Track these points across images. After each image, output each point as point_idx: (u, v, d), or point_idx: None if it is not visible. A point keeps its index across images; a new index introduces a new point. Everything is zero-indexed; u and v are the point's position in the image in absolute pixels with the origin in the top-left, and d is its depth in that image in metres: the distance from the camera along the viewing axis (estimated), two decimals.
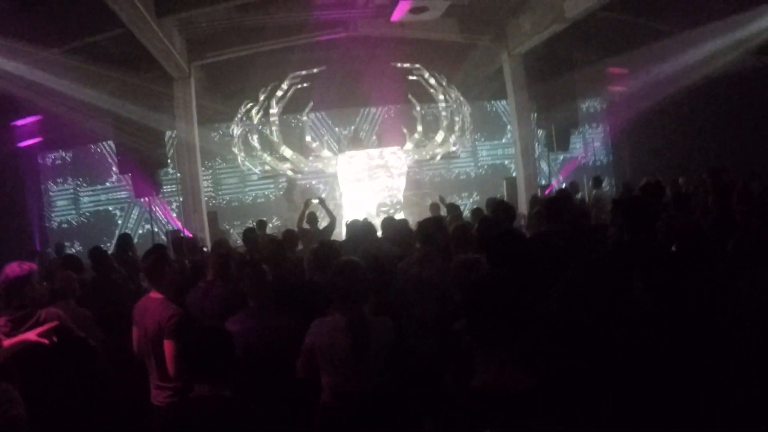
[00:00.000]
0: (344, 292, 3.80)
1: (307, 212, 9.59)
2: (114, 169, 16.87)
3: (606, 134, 21.04)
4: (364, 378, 3.70)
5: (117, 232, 16.85)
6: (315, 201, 9.92)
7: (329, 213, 9.44)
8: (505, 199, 15.11)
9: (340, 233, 9.13)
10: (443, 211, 10.18)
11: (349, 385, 3.71)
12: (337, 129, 18.48)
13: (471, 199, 19.30)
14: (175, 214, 17.13)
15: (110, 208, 18.13)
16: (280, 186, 17.84)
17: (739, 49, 13.62)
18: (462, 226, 5.73)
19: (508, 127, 18.64)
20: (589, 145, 20.62)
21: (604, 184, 20.02)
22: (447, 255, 5.17)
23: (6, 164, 15.42)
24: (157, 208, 16.15)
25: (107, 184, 18.06)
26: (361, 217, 9.12)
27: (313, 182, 17.19)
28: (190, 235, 12.02)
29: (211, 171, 18.22)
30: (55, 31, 10.75)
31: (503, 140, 20.06)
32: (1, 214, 14.97)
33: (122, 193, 17.68)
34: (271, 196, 18.28)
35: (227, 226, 17.38)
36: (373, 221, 9.98)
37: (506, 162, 19.85)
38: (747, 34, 13.25)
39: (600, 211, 11.03)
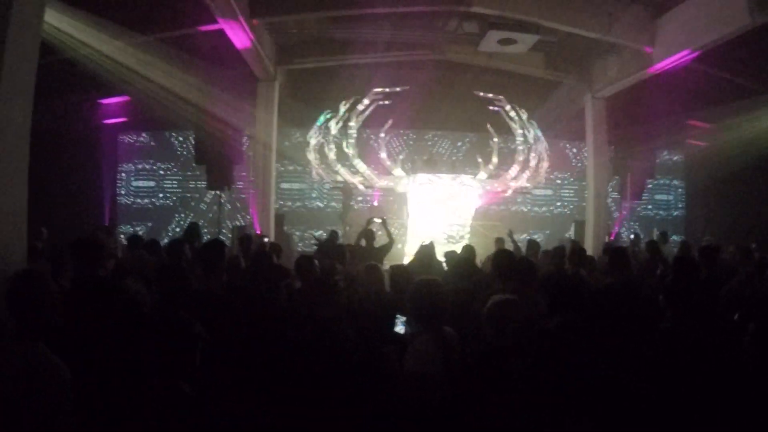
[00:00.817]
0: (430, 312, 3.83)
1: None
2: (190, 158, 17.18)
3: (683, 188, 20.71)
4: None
5: (186, 219, 17.31)
6: (378, 221, 9.96)
7: (389, 235, 9.50)
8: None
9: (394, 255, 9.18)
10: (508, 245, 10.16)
11: None
12: (412, 150, 18.57)
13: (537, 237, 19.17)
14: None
15: (186, 195, 18.55)
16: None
17: None
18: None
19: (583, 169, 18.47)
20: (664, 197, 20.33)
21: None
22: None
23: (87, 139, 15.98)
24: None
25: (183, 171, 18.52)
26: (426, 241, 9.15)
27: (375, 203, 17.26)
28: (259, 232, 12.26)
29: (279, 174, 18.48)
30: (152, 20, 11.11)
31: (575, 181, 19.91)
32: (77, 187, 15.51)
33: (198, 182, 17.97)
34: (336, 206, 18.39)
35: (293, 230, 17.57)
36: (439, 247, 10.05)
37: (577, 204, 19.63)
38: None
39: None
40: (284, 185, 18.70)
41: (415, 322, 3.99)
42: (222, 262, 6.03)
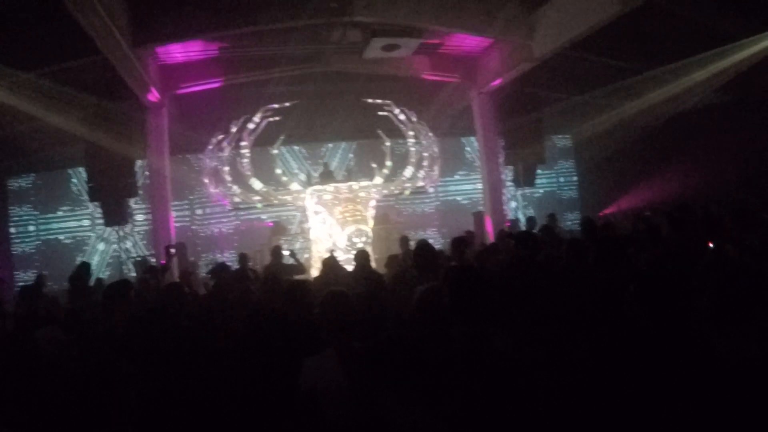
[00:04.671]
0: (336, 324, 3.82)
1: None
2: (83, 197, 16.71)
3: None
4: None
5: (82, 258, 16.73)
6: (286, 253, 10.14)
7: (299, 264, 9.73)
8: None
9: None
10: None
11: None
12: (307, 162, 18.60)
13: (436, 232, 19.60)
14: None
15: (77, 236, 17.92)
16: (243, 217, 18.04)
17: (702, 86, 14.12)
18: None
19: (476, 163, 18.96)
20: (557, 180, 21.13)
21: (573, 216, 20.48)
22: None
23: None
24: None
25: (75, 210, 17.91)
26: (326, 254, 9.33)
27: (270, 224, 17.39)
28: (163, 263, 12.02)
29: (188, 202, 18.27)
30: (31, 55, 10.75)
31: (471, 176, 20.38)
32: None
33: (87, 220, 17.67)
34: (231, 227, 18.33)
35: (194, 258, 17.24)
36: (343, 255, 10.20)
37: (475, 197, 20.08)
38: (708, 73, 13.75)
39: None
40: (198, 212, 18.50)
41: (326, 335, 3.95)
42: (126, 300, 6.00)
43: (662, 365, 3.09)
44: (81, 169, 16.13)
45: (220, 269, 8.55)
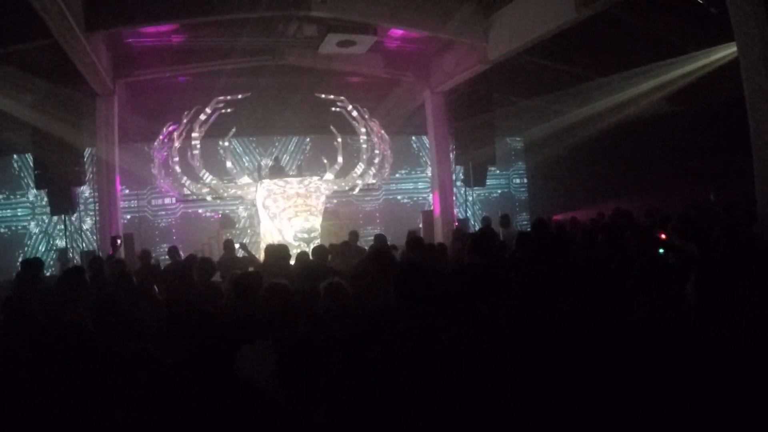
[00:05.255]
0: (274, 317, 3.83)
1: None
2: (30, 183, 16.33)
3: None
4: None
5: (26, 249, 16.52)
6: (237, 246, 10.17)
7: (252, 257, 9.74)
8: (422, 231, 15.54)
9: None
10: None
11: None
12: (258, 156, 18.43)
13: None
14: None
15: (29, 223, 17.22)
16: (190, 209, 17.85)
17: (651, 95, 14.50)
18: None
19: (428, 162, 19.10)
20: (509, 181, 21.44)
21: (523, 218, 20.80)
22: None
23: None
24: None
25: (20, 197, 17.26)
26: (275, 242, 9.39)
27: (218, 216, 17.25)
28: (111, 253, 11.89)
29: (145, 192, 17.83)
30: None
31: (422, 174, 20.52)
32: None
33: (35, 208, 17.13)
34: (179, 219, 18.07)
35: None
36: (292, 250, 10.22)
37: (424, 196, 20.21)
38: (658, 82, 14.12)
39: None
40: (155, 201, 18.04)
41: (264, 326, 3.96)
42: (83, 291, 5.93)
43: (597, 356, 3.29)
44: (27, 156, 15.69)
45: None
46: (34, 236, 17.17)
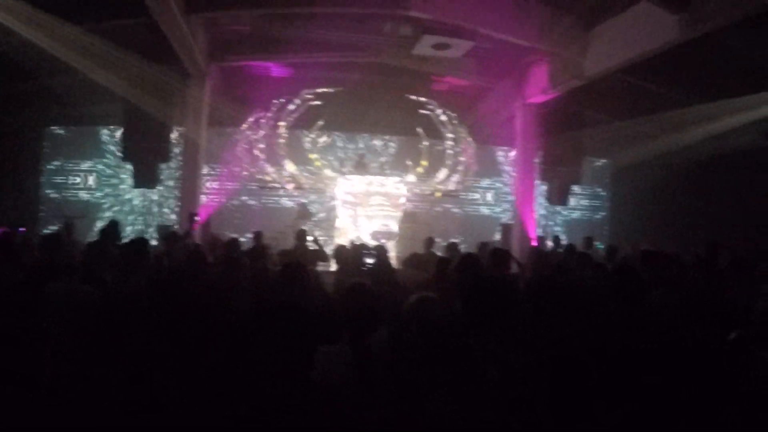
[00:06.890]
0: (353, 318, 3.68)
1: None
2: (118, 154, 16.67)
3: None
4: None
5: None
6: (310, 238, 10.02)
7: (322, 252, 9.55)
8: (499, 243, 15.22)
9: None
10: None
11: None
12: (342, 152, 18.32)
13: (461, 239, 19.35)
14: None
15: (113, 192, 17.71)
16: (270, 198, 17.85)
17: (748, 129, 13.84)
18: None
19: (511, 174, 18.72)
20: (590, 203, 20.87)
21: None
22: None
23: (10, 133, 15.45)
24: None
25: (107, 168, 17.78)
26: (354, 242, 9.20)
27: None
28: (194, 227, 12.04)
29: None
30: (82, 9, 10.79)
31: (502, 186, 20.12)
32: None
33: (118, 179, 17.53)
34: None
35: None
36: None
37: (504, 208, 19.78)
38: (757, 115, 13.47)
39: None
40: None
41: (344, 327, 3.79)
42: (144, 263, 5.90)
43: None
44: (118, 129, 16.02)
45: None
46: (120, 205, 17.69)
